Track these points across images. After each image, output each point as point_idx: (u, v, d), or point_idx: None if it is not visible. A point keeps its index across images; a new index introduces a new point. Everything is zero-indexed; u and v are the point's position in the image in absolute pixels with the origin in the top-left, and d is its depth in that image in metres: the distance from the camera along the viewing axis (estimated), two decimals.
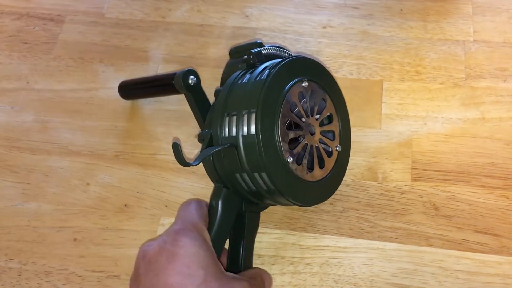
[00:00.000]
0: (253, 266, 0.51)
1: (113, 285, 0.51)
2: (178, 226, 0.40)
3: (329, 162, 0.47)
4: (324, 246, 0.52)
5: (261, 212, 0.51)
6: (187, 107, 0.60)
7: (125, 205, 0.55)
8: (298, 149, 0.44)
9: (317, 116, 0.47)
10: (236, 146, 0.42)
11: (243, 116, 0.42)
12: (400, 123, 0.57)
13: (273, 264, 0.51)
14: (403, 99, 0.59)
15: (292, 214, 0.53)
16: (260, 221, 0.53)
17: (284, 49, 0.50)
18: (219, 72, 0.62)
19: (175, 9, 0.68)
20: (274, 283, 0.50)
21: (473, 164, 0.55)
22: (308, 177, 0.45)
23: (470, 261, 0.50)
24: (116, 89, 0.62)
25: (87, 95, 0.62)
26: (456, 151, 0.55)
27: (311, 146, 0.45)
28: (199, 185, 0.56)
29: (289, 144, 0.43)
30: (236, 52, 0.50)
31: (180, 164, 0.41)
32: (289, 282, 0.50)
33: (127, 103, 0.61)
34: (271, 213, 0.53)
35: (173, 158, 0.57)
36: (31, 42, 0.67)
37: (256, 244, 0.52)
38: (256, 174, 0.42)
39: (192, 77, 0.48)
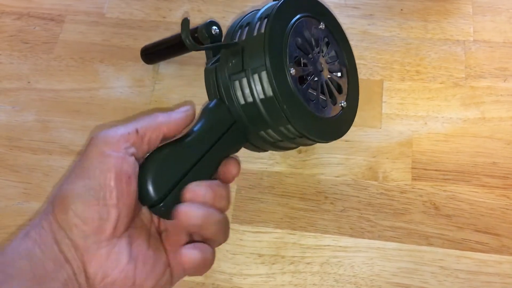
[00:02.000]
0: (254, 264, 0.51)
1: None
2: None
3: (334, 109, 0.46)
4: (324, 246, 0.52)
5: (261, 211, 0.51)
6: None
7: None
8: (303, 69, 0.43)
9: (329, 63, 0.47)
10: (243, 48, 0.42)
11: (255, 23, 0.42)
12: (401, 122, 0.57)
13: (273, 264, 0.51)
14: (404, 99, 0.59)
15: (292, 213, 0.53)
16: (261, 220, 0.53)
17: None
18: None
19: (176, 9, 0.68)
20: (274, 283, 0.50)
21: (474, 163, 0.55)
22: (310, 105, 0.43)
23: (470, 260, 0.50)
24: (117, 89, 0.62)
25: (87, 95, 0.62)
26: (456, 150, 0.55)
27: (317, 77, 0.44)
28: None
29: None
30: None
31: (186, 43, 0.39)
32: (290, 282, 0.50)
33: (127, 103, 0.61)
34: (272, 213, 0.54)
35: None
36: (32, 42, 0.67)
37: (256, 244, 0.52)
38: (256, 76, 0.41)
39: (215, 27, 0.48)
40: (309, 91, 0.44)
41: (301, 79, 0.43)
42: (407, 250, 0.51)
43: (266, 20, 0.42)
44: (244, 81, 0.41)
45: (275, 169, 0.56)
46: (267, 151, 0.48)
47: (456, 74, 0.60)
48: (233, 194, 0.53)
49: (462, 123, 0.57)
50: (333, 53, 0.48)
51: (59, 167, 0.58)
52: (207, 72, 0.44)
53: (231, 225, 0.53)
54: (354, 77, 0.50)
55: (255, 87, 0.41)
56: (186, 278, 0.45)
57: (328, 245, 0.52)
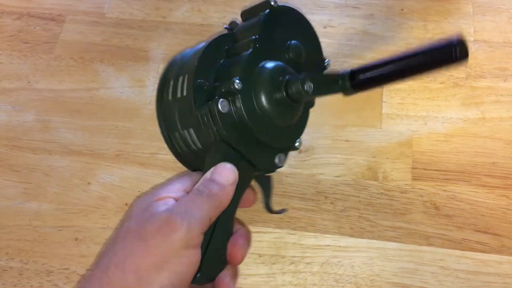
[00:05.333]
0: (254, 264, 0.51)
1: None
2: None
3: None
4: (324, 246, 0.52)
5: (261, 211, 0.50)
6: None
7: (126, 204, 0.55)
8: None
9: None
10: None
11: None
12: (401, 122, 0.57)
13: (273, 264, 0.51)
14: (404, 99, 0.59)
15: (292, 213, 0.53)
16: (261, 220, 0.53)
17: None
18: None
19: (176, 9, 0.68)
20: (274, 283, 0.50)
21: (474, 163, 0.55)
22: None
23: (471, 260, 0.50)
24: (117, 89, 0.62)
25: (87, 94, 0.62)
26: (456, 150, 0.55)
27: None
28: None
29: None
30: (248, 14, 0.46)
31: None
32: (290, 282, 0.50)
33: (127, 103, 0.61)
34: None
35: (173, 157, 0.57)
36: (32, 42, 0.67)
37: (256, 244, 0.52)
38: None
39: None
40: None
41: None
42: (407, 250, 0.51)
43: None
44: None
45: None
46: None
47: (456, 74, 0.60)
48: None
49: (462, 123, 0.57)
50: None
51: (59, 167, 0.58)
52: None
53: None
54: None
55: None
56: None
57: (328, 245, 0.52)
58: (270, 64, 0.42)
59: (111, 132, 0.60)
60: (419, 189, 0.54)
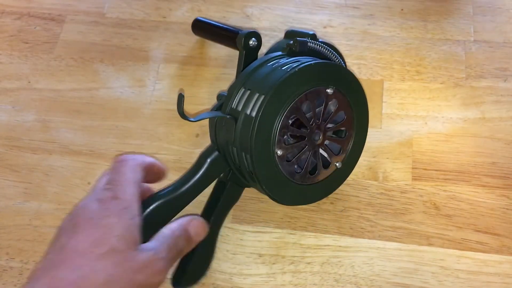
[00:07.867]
0: (254, 264, 0.51)
1: None
2: (110, 193, 0.38)
3: (323, 173, 0.48)
4: (324, 246, 0.52)
5: (261, 211, 0.51)
6: (188, 107, 0.61)
7: None
8: (294, 147, 0.45)
9: (330, 126, 0.47)
10: (237, 120, 0.44)
11: (254, 95, 0.43)
12: (401, 122, 0.57)
13: (273, 263, 0.51)
14: (404, 99, 0.59)
15: (293, 213, 0.53)
16: (261, 220, 0.53)
17: (335, 52, 0.50)
18: (220, 71, 0.62)
19: (176, 9, 0.68)
20: (274, 283, 0.50)
21: (474, 163, 0.55)
22: (295, 177, 0.46)
23: (471, 260, 0.50)
24: (117, 89, 0.62)
25: (87, 94, 0.62)
26: (456, 150, 0.55)
27: (310, 150, 0.46)
28: None
29: (290, 139, 0.45)
30: (290, 35, 0.51)
31: (180, 115, 0.41)
32: (290, 281, 0.50)
33: (127, 103, 0.61)
34: (272, 213, 0.53)
35: (174, 157, 0.57)
36: (32, 42, 0.67)
37: (257, 243, 0.52)
38: (243, 153, 0.43)
39: (254, 39, 0.49)
40: (295, 166, 0.46)
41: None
42: (407, 250, 0.51)
43: (261, 98, 0.42)
44: (235, 150, 0.44)
45: None
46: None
47: (457, 74, 0.60)
48: None
49: (462, 123, 0.57)
50: (341, 115, 0.47)
51: (59, 167, 0.58)
52: (210, 120, 0.47)
53: (232, 225, 0.53)
54: (361, 134, 0.50)
55: (243, 161, 0.44)
56: None
57: (328, 245, 0.52)
58: None
59: (111, 132, 0.60)
60: (419, 189, 0.54)
